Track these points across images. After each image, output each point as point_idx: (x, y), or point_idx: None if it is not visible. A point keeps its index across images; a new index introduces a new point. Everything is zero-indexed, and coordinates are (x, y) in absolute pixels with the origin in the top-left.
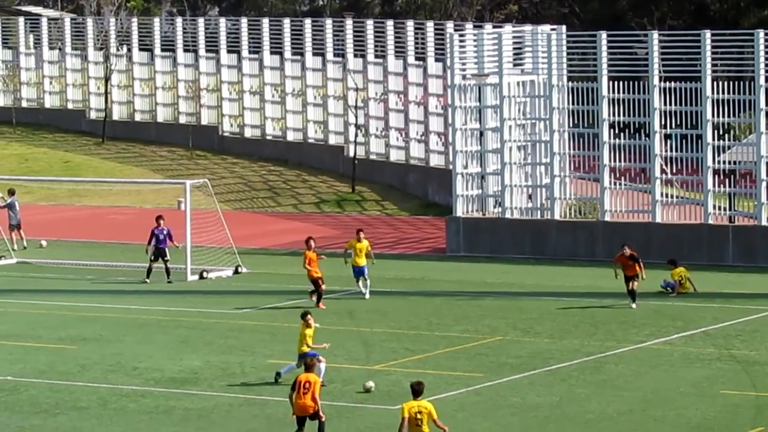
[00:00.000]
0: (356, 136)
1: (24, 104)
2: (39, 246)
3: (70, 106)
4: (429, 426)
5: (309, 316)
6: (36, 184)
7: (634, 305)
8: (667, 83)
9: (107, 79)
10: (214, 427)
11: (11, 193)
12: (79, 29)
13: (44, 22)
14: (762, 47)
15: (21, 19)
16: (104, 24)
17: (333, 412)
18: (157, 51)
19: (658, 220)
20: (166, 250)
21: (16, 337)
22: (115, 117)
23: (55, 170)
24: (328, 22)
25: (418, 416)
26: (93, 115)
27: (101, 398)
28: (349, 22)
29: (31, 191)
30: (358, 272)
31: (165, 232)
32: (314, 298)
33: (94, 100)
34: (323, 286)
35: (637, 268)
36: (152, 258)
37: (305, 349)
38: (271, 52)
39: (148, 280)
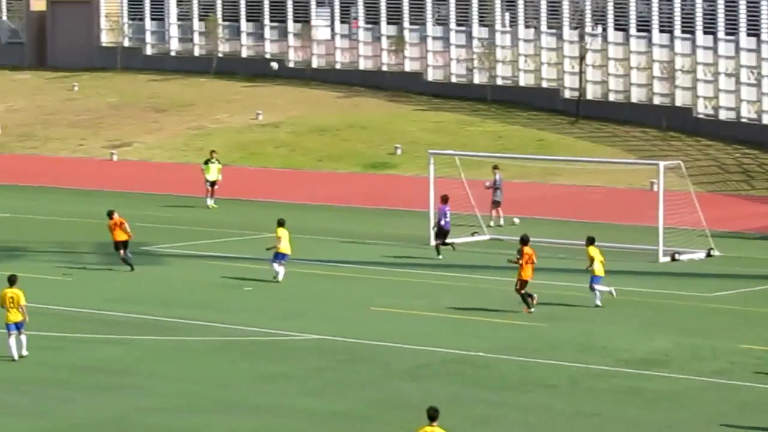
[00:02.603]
0: None
1: (498, 82)
2: (512, 223)
3: (544, 84)
4: None
5: None
6: (509, 161)
7: None
8: None
9: (582, 58)
10: (683, 410)
11: (495, 168)
12: (555, 8)
13: (520, 0)
14: None
15: None
16: (580, 3)
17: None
18: (632, 31)
19: None
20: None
21: (487, 313)
22: (589, 96)
23: (529, 148)
24: None
25: None
26: (567, 94)
27: (571, 377)
28: None
29: (505, 168)
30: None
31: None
32: None
33: (568, 79)
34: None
35: None
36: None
37: None
38: (748, 34)
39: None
